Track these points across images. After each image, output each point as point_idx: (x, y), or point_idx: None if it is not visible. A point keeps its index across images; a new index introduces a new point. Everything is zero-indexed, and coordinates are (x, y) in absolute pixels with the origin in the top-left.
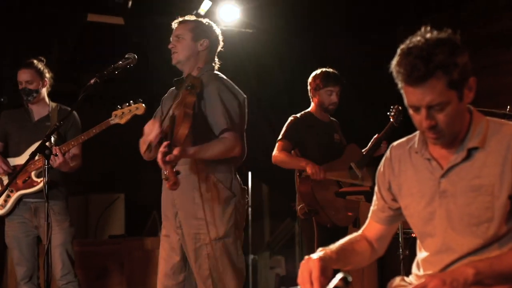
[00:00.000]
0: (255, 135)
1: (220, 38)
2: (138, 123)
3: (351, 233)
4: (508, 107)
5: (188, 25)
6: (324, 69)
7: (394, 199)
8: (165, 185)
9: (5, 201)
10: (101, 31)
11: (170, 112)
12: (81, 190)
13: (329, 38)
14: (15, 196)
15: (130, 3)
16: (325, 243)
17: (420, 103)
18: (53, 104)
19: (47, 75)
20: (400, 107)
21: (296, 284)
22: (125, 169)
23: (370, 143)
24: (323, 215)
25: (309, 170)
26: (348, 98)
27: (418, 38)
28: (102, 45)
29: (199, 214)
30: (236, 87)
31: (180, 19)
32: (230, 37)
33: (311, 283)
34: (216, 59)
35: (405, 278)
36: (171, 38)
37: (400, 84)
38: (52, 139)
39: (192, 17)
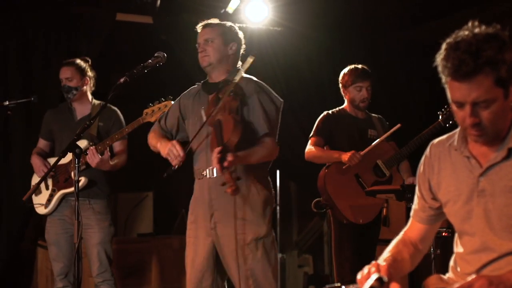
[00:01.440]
0: (284, 133)
1: (243, 40)
2: None
3: (383, 232)
4: None
5: (217, 29)
6: (352, 66)
7: (434, 198)
8: (200, 186)
9: (49, 200)
10: (130, 30)
11: (215, 117)
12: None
13: (358, 35)
14: (57, 195)
15: (158, 2)
16: (342, 238)
17: (466, 99)
18: (96, 102)
19: (89, 73)
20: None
21: (325, 283)
22: (153, 167)
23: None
24: (337, 211)
25: (344, 157)
26: (380, 96)
27: (466, 32)
28: (130, 44)
29: (239, 214)
30: (273, 92)
31: (204, 22)
32: (258, 36)
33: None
34: (240, 62)
35: (442, 276)
36: (198, 42)
37: (445, 79)
38: (91, 138)
39: (216, 20)
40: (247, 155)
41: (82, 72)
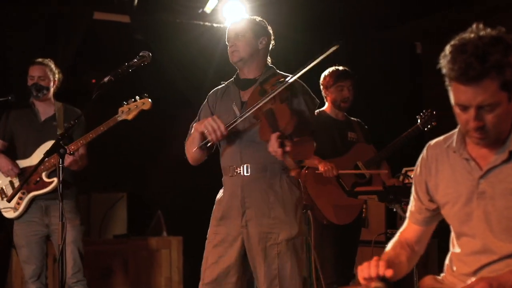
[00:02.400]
0: None
1: (273, 36)
2: (140, 120)
3: (364, 233)
4: None
5: (247, 23)
6: (334, 67)
7: (431, 200)
8: (231, 183)
9: (18, 203)
10: (107, 29)
11: (262, 107)
12: (84, 189)
13: (336, 36)
14: (27, 198)
15: (136, 1)
16: (322, 240)
17: (471, 102)
18: (59, 104)
19: (57, 75)
20: (434, 112)
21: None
22: (128, 168)
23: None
24: (317, 211)
25: (321, 168)
26: (359, 97)
27: (471, 35)
28: (108, 43)
29: (272, 213)
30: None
31: (235, 18)
32: None
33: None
34: (269, 58)
35: (437, 276)
36: (228, 38)
37: (449, 81)
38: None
39: (246, 16)
40: (297, 148)
41: (53, 73)
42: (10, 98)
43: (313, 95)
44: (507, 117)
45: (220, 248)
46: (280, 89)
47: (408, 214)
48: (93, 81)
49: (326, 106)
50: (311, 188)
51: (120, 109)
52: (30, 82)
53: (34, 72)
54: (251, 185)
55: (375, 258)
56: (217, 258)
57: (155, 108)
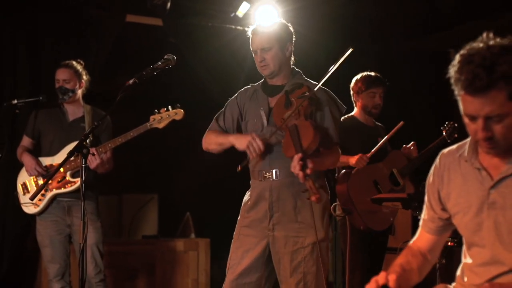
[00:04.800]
0: None
1: (294, 35)
2: (174, 124)
3: (390, 241)
4: None
5: (273, 34)
6: (365, 73)
7: (444, 209)
8: (260, 188)
9: (40, 200)
10: (140, 32)
11: (288, 121)
12: (115, 190)
13: (368, 44)
14: (49, 195)
15: (168, 4)
16: (357, 245)
17: (478, 113)
18: (87, 106)
19: (85, 77)
20: (456, 124)
21: None
22: (159, 170)
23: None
24: (356, 216)
25: (352, 161)
26: (388, 105)
27: (480, 44)
28: (140, 46)
29: (299, 217)
30: (338, 99)
31: (255, 26)
32: None
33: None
34: (292, 57)
35: (448, 285)
36: (253, 49)
37: (457, 92)
38: (88, 140)
39: (268, 22)
40: (320, 161)
41: (79, 75)
42: (41, 98)
43: (340, 103)
44: None
45: (243, 249)
46: (304, 104)
47: (421, 222)
48: (127, 83)
49: (355, 111)
50: (354, 193)
51: (152, 117)
52: (56, 85)
53: (60, 75)
54: (280, 189)
55: (382, 273)
56: (239, 259)
57: (188, 112)
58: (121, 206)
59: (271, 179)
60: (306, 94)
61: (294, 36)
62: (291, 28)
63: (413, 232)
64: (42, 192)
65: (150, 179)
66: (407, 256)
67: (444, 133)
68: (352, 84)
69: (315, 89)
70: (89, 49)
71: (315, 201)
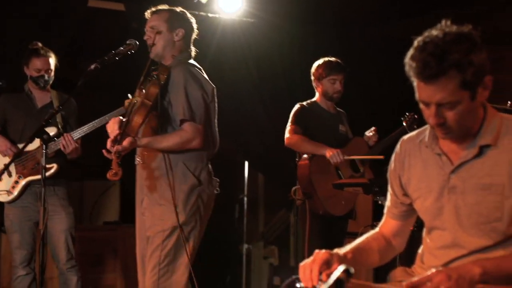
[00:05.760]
0: (253, 125)
1: (195, 26)
2: None
3: (351, 225)
4: (509, 102)
5: (163, 15)
6: (326, 58)
7: (406, 194)
8: (137, 171)
9: (13, 187)
10: (102, 17)
11: (134, 99)
12: (77, 176)
13: (331, 29)
14: (23, 182)
15: None
16: (316, 230)
17: (430, 100)
18: (54, 92)
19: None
20: (415, 116)
21: (290, 274)
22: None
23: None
24: (316, 201)
25: (328, 153)
26: (351, 91)
27: (436, 32)
28: (102, 31)
29: (162, 200)
30: (205, 76)
31: (154, 8)
32: (231, 27)
33: (310, 272)
34: (192, 47)
35: (407, 268)
36: (145, 29)
37: (412, 78)
38: (59, 126)
39: (166, 6)
40: (154, 140)
41: (54, 63)
42: (1, 83)
43: (201, 81)
44: (471, 114)
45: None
46: (150, 85)
47: (385, 209)
48: (88, 69)
49: (317, 97)
50: (315, 177)
51: (126, 101)
52: (35, 74)
53: (42, 64)
54: (145, 173)
55: (316, 253)
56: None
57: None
58: (83, 192)
59: (139, 164)
60: (154, 75)
61: (195, 28)
62: (189, 17)
63: (374, 217)
64: (16, 179)
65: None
66: (367, 238)
67: (404, 124)
68: (312, 70)
69: (178, 71)
70: (51, 34)
71: (109, 177)
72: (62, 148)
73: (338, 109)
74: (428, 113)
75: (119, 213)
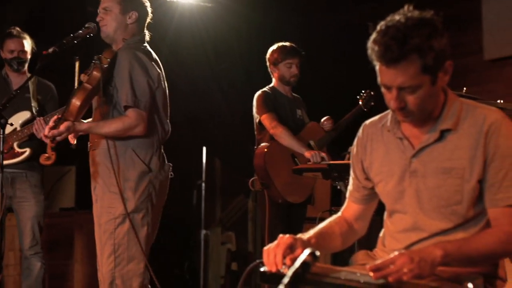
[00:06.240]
0: (211, 111)
1: (149, 9)
2: None
3: (309, 210)
4: (465, 88)
5: None
6: (280, 43)
7: (368, 178)
8: (90, 157)
9: None
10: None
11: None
12: None
13: (289, 14)
14: None
15: None
16: (275, 216)
17: (392, 83)
18: (31, 75)
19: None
20: (372, 93)
21: (249, 260)
22: (78, 140)
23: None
24: (274, 190)
25: (307, 154)
26: (308, 76)
27: (398, 17)
28: (57, 14)
29: (112, 188)
30: (155, 61)
31: None
32: (189, 11)
33: (275, 256)
34: (146, 31)
35: (369, 252)
36: (98, 10)
37: (374, 62)
38: (34, 110)
39: None
40: (95, 126)
41: (29, 44)
42: None
43: (146, 67)
44: (432, 98)
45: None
46: (93, 69)
47: (347, 194)
48: (44, 53)
49: (274, 83)
50: (270, 167)
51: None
52: (9, 56)
53: (15, 46)
54: (95, 160)
55: (280, 237)
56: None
57: None
58: None
59: (90, 151)
60: (96, 59)
61: (149, 12)
62: (143, 1)
63: (332, 202)
64: None
65: (68, 151)
66: (329, 223)
67: (360, 102)
68: (268, 55)
69: (124, 56)
70: (6, 17)
71: (41, 161)
72: (34, 132)
73: (294, 94)
74: (390, 97)
75: (75, 199)
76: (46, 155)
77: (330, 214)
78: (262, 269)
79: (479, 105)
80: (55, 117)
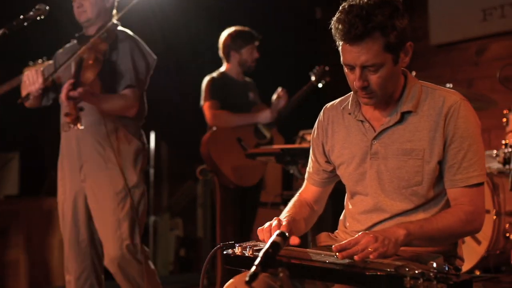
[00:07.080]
0: (160, 95)
1: None
2: None
3: (262, 195)
4: (414, 72)
5: None
6: (238, 28)
7: (328, 162)
8: (67, 140)
9: None
10: None
11: (77, 56)
12: None
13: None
14: None
15: None
16: (227, 200)
17: (355, 62)
18: None
19: None
20: (326, 68)
21: (198, 246)
22: (21, 127)
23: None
24: (222, 176)
25: (260, 117)
26: (257, 60)
27: None
28: None
29: (109, 164)
30: (147, 48)
31: None
32: None
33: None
34: (115, 11)
35: (330, 234)
36: None
37: (337, 42)
38: None
39: None
40: (102, 98)
41: None
42: None
43: (147, 51)
44: (394, 78)
45: (65, 207)
46: (97, 40)
47: (306, 175)
48: None
49: (225, 67)
50: (215, 154)
51: (26, 69)
52: None
53: None
54: (86, 138)
55: (275, 219)
56: (62, 217)
57: None
58: None
59: (76, 128)
60: (104, 33)
61: None
62: None
63: (284, 186)
64: None
65: (12, 137)
66: (296, 207)
67: (313, 78)
68: (226, 41)
69: (123, 38)
70: None
71: (70, 121)
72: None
73: (246, 78)
74: (353, 77)
75: (19, 186)
76: (74, 115)
77: (282, 199)
78: (225, 252)
79: (438, 88)
80: (72, 80)
